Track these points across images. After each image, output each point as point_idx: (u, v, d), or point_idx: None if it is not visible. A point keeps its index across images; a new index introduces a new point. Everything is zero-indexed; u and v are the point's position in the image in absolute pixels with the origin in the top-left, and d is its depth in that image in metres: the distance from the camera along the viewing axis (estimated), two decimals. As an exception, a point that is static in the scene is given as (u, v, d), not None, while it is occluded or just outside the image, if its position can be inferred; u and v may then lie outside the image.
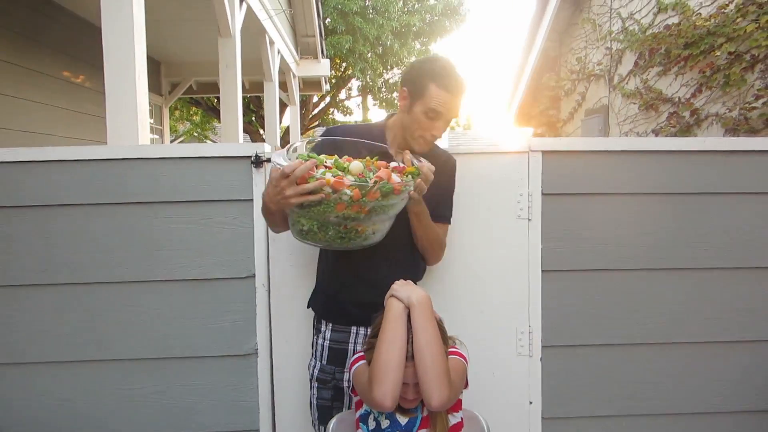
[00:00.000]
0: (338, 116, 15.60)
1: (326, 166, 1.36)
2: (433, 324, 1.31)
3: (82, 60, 5.12)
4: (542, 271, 1.97)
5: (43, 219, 1.88)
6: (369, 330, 1.48)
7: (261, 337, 1.94)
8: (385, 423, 1.34)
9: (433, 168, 1.44)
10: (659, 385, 2.03)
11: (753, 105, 3.46)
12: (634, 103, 4.82)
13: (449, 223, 1.77)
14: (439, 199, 1.70)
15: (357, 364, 1.41)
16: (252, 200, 1.92)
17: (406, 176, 1.39)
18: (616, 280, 2.00)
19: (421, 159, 1.48)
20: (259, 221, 1.92)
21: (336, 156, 1.43)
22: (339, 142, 1.62)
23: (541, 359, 1.99)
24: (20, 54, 4.26)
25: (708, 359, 2.03)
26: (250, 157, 1.91)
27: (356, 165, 1.36)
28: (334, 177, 1.28)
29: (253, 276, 1.93)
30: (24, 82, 4.32)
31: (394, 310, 1.32)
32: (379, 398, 1.22)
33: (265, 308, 1.94)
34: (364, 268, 1.64)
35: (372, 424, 1.36)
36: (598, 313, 2.00)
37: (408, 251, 1.69)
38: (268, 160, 1.91)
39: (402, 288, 1.38)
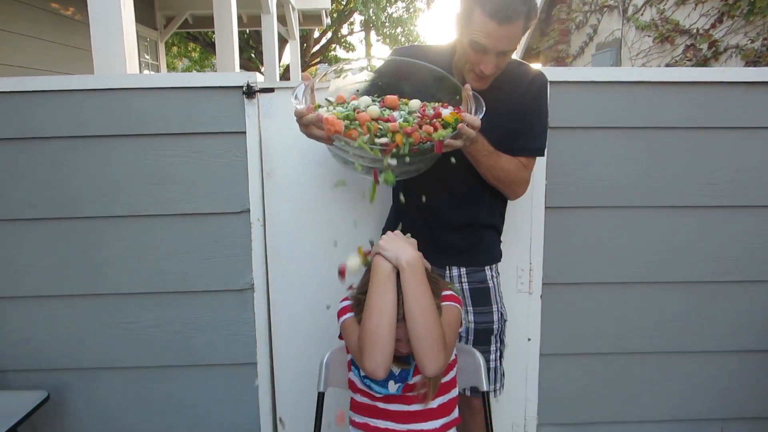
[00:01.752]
0: (340, 53, 15.17)
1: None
2: (425, 288, 1.20)
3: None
4: (545, 208, 1.92)
5: (28, 152, 1.82)
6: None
7: (257, 273, 1.92)
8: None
9: (476, 122, 1.24)
10: (660, 324, 2.01)
11: (779, 34, 3.30)
12: (649, 36, 4.59)
13: (536, 155, 1.54)
14: (518, 130, 1.48)
15: (345, 317, 1.33)
16: (244, 132, 1.85)
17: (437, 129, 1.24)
18: (619, 218, 1.94)
19: (478, 97, 1.31)
20: (253, 155, 1.85)
21: (351, 104, 1.33)
22: (399, 63, 1.46)
23: (541, 296, 1.97)
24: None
25: (708, 299, 2.01)
26: (242, 87, 1.82)
27: (372, 108, 1.26)
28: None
29: (248, 211, 1.89)
30: (10, 12, 4.15)
31: (381, 272, 1.22)
32: (371, 369, 1.17)
33: (261, 244, 1.91)
34: (427, 208, 1.51)
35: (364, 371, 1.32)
36: (600, 252, 1.96)
37: (473, 186, 1.52)
38: (261, 91, 1.83)
39: (390, 245, 1.25)
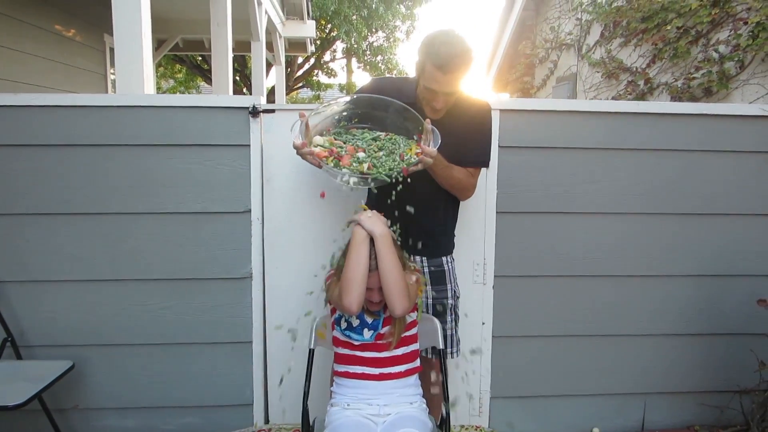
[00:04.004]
0: (323, 78, 15.67)
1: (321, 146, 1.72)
2: (392, 251, 1.61)
3: (72, 13, 5.25)
4: (497, 212, 2.32)
5: (65, 157, 2.16)
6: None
7: (255, 263, 2.27)
8: (355, 322, 1.69)
9: (432, 152, 1.62)
10: (593, 311, 2.42)
11: (694, 75, 3.84)
12: (598, 72, 5.18)
13: (481, 167, 1.96)
14: (469, 147, 1.88)
15: (329, 281, 1.73)
16: (249, 146, 2.22)
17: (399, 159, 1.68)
18: (561, 222, 2.35)
19: (435, 131, 1.69)
20: (256, 164, 2.23)
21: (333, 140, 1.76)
22: (373, 98, 1.84)
23: (493, 287, 2.36)
24: (15, 6, 4.41)
25: (633, 291, 2.42)
26: (248, 108, 2.20)
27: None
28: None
29: (249, 211, 2.25)
30: (17, 33, 4.47)
31: (358, 236, 1.62)
32: (347, 305, 1.55)
33: (259, 238, 2.27)
34: (396, 207, 1.83)
35: (344, 324, 1.71)
36: (544, 249, 2.36)
37: (434, 193, 1.89)
38: (264, 111, 2.21)
39: (368, 221, 1.65)
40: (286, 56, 10.00)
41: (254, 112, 2.20)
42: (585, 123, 2.32)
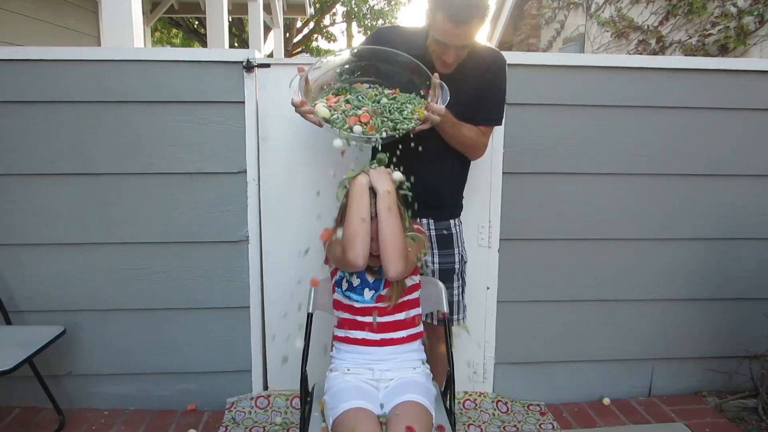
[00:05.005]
0: (322, 43, 15.36)
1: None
2: (394, 210, 1.49)
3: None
4: (503, 173, 2.23)
5: (53, 114, 2.06)
6: None
7: (252, 226, 2.19)
8: (356, 282, 1.60)
9: (441, 110, 1.53)
10: (600, 275, 2.34)
11: (710, 32, 3.69)
12: (608, 31, 5.01)
13: (494, 124, 1.83)
14: (480, 103, 1.75)
15: (327, 241, 1.63)
16: (243, 102, 2.11)
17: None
18: (567, 183, 2.26)
19: (443, 86, 1.57)
20: (251, 122, 2.12)
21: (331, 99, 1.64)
22: (378, 50, 1.69)
23: (498, 250, 2.28)
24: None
25: (642, 253, 2.34)
26: (242, 62, 2.08)
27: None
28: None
29: (245, 171, 2.15)
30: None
31: (359, 185, 1.51)
32: (352, 258, 1.45)
33: (256, 200, 2.18)
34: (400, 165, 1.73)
35: (345, 285, 1.62)
36: (551, 212, 2.27)
37: (440, 152, 1.79)
38: (259, 66, 2.09)
39: (376, 176, 1.53)
40: (284, 19, 9.74)
41: (249, 66, 2.08)
42: (596, 78, 2.20)
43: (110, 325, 2.23)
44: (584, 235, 2.30)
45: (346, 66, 1.71)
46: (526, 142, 2.22)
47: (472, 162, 1.94)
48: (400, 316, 1.58)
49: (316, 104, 1.59)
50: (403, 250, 1.47)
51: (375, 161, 1.60)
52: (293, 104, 1.57)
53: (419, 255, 1.58)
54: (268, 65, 2.10)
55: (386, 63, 1.68)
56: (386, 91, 1.68)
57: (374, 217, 1.49)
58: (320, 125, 1.57)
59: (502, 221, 2.26)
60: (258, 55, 2.10)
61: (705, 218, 2.34)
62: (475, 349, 2.34)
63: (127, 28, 2.37)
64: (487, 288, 2.31)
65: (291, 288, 2.20)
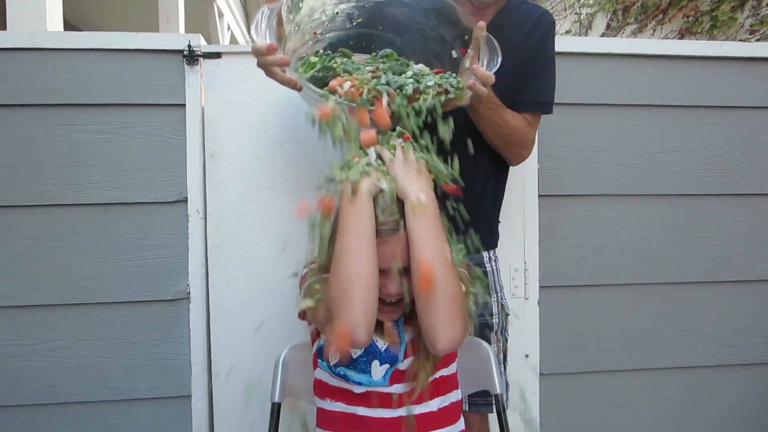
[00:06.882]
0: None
1: None
2: (440, 233, 0.88)
3: None
4: (539, 195, 1.65)
5: None
6: None
7: (194, 278, 1.54)
8: (356, 351, 0.95)
9: (490, 78, 1.01)
10: (674, 332, 1.74)
11: (748, 40, 3.32)
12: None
13: (543, 111, 1.29)
14: (523, 79, 1.24)
15: (306, 281, 1.00)
16: (184, 105, 1.53)
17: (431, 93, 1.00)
18: (625, 207, 1.70)
19: (492, 41, 1.05)
20: (194, 132, 1.53)
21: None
22: None
23: (538, 302, 1.67)
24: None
25: (714, 301, 1.76)
26: (182, 51, 1.52)
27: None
28: None
29: (185, 200, 1.54)
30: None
31: (361, 196, 0.86)
32: (345, 329, 0.80)
33: (201, 241, 1.55)
34: None
35: (334, 358, 0.97)
36: (602, 248, 1.69)
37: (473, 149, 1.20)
38: (205, 56, 1.53)
39: (401, 171, 0.89)
40: None
41: (191, 56, 1.52)
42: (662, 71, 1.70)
43: (-13, 429, 1.52)
44: (659, 278, 1.72)
45: (341, 4, 1.16)
46: (568, 153, 1.67)
47: None
48: (432, 405, 0.92)
49: (305, 57, 1.02)
50: (461, 305, 0.84)
51: (395, 133, 0.99)
52: (256, 51, 0.99)
53: (469, 305, 0.93)
54: (218, 54, 1.54)
55: (398, 5, 1.13)
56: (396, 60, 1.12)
57: (389, 226, 0.87)
58: (298, 89, 0.98)
59: (541, 261, 1.66)
60: (203, 42, 1.54)
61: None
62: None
63: (39, 6, 1.79)
64: (526, 356, 1.67)
65: (252, 372, 1.53)
